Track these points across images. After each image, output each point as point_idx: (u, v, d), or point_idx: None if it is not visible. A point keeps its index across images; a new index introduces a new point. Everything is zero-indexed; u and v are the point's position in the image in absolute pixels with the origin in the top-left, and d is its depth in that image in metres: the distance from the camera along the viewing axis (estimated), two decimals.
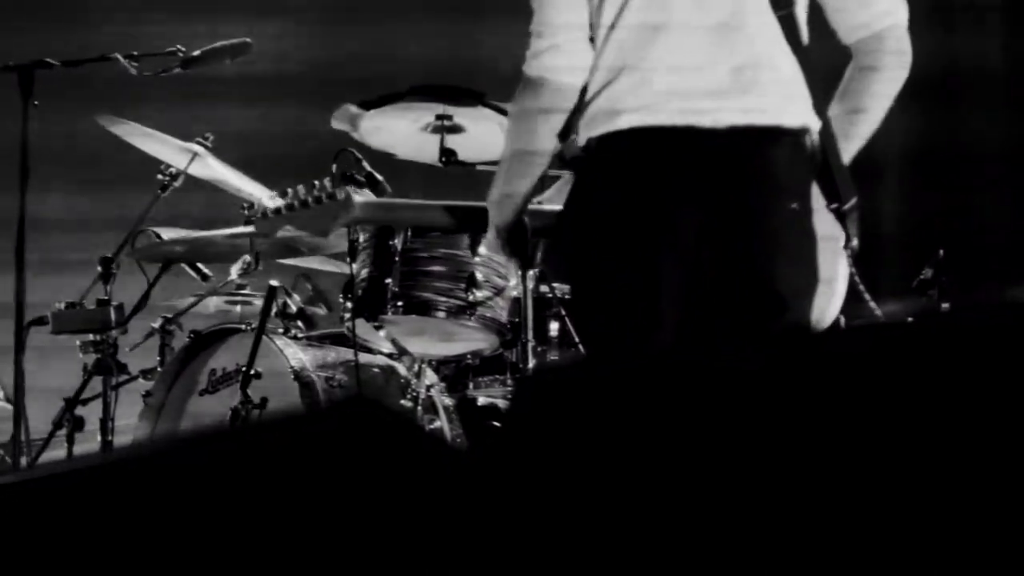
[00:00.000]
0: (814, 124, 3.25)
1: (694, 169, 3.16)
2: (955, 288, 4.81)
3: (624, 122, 3.19)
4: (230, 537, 1.71)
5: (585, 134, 3.26)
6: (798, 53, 3.23)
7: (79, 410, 5.69)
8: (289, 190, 3.81)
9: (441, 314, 4.82)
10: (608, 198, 3.23)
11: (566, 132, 3.32)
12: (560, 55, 3.26)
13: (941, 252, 4.89)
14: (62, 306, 5.52)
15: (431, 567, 1.64)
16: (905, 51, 3.34)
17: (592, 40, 3.25)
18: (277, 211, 3.80)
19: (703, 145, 3.16)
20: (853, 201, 3.29)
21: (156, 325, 5.68)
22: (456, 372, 5.22)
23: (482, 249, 3.57)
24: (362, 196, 3.83)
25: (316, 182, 3.82)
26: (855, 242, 3.30)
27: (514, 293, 4.77)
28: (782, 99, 3.21)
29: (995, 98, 6.36)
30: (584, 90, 3.27)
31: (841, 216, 3.28)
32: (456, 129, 4.97)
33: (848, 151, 3.32)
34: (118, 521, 1.73)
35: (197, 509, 1.71)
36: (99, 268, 5.55)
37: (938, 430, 1.51)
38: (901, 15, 3.35)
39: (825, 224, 3.27)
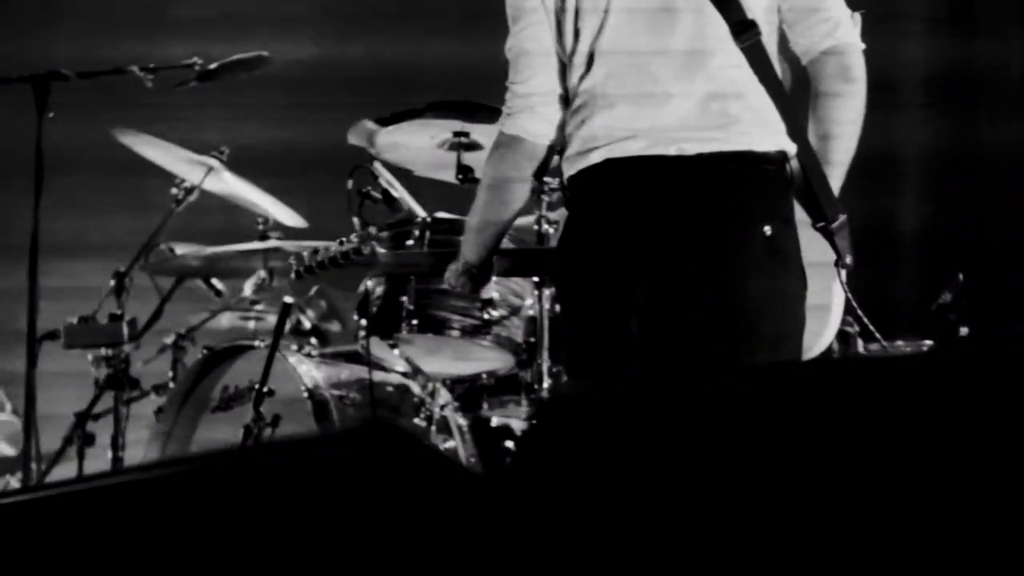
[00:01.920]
0: (790, 148, 3.28)
1: (662, 193, 3.22)
2: (975, 313, 4.77)
3: (596, 157, 3.28)
4: (244, 558, 1.68)
5: (565, 174, 3.37)
6: (767, 82, 3.27)
7: (90, 425, 5.66)
8: (319, 247, 3.89)
9: (456, 333, 4.78)
10: (583, 227, 3.33)
11: (546, 176, 3.49)
12: (535, 116, 3.40)
13: (961, 276, 4.85)
14: (75, 320, 5.49)
15: None
16: (849, 69, 3.33)
17: (565, 95, 3.38)
18: (309, 269, 3.87)
19: (670, 171, 3.22)
20: (841, 219, 3.31)
21: (169, 340, 5.66)
22: (470, 392, 5.18)
23: (447, 275, 3.65)
24: (385, 250, 3.94)
25: (343, 239, 3.90)
26: (848, 259, 3.31)
27: (530, 312, 4.74)
28: (752, 127, 3.25)
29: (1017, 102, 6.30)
30: (559, 137, 3.40)
31: (829, 235, 3.30)
32: (474, 146, 4.94)
33: (832, 176, 3.33)
34: (130, 542, 1.70)
35: (212, 529, 1.68)
36: (112, 282, 5.53)
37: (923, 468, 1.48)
38: (842, 34, 3.34)
39: (815, 251, 3.28)
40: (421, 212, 4.91)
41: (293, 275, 3.96)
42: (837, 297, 3.32)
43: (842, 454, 1.52)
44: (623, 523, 1.58)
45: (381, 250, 3.94)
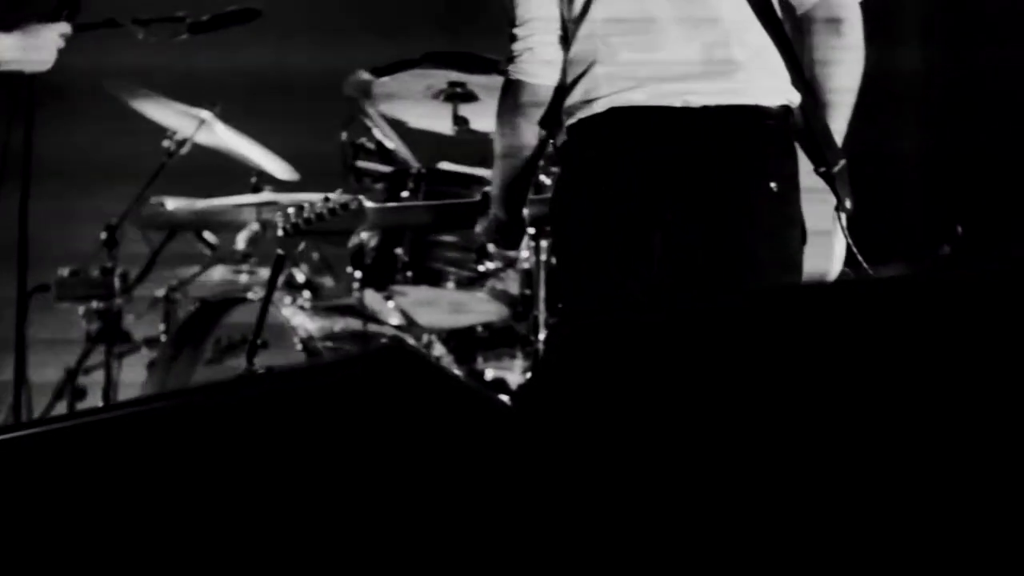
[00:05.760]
0: (794, 98, 3.28)
1: (668, 147, 3.21)
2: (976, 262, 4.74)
3: (599, 106, 3.26)
4: (260, 483, 1.67)
5: (566, 123, 3.35)
6: (770, 27, 3.27)
7: (81, 379, 5.64)
8: (305, 204, 3.87)
9: (451, 285, 4.77)
10: (588, 176, 3.30)
11: (552, 126, 3.40)
12: (534, 57, 3.38)
13: (960, 228, 4.84)
14: (66, 273, 5.46)
15: (467, 511, 1.60)
16: (844, 36, 3.32)
17: (565, 38, 3.36)
18: (296, 227, 3.84)
19: (675, 124, 3.22)
20: (842, 163, 3.30)
21: (161, 294, 5.63)
22: (465, 344, 5.16)
23: (477, 228, 3.63)
24: (372, 203, 3.91)
25: (329, 195, 3.90)
26: (848, 203, 3.31)
27: (526, 265, 4.72)
28: (757, 77, 3.25)
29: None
30: (562, 83, 3.37)
31: (830, 179, 3.30)
32: (470, 97, 4.91)
33: (838, 107, 3.32)
34: (147, 471, 1.69)
35: (230, 456, 1.67)
36: (103, 235, 5.50)
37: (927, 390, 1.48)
38: None
39: (815, 217, 3.29)
40: (415, 163, 4.89)
41: (280, 232, 3.94)
42: (838, 228, 3.32)
43: (842, 376, 1.52)
44: (634, 447, 1.57)
45: (369, 204, 3.91)
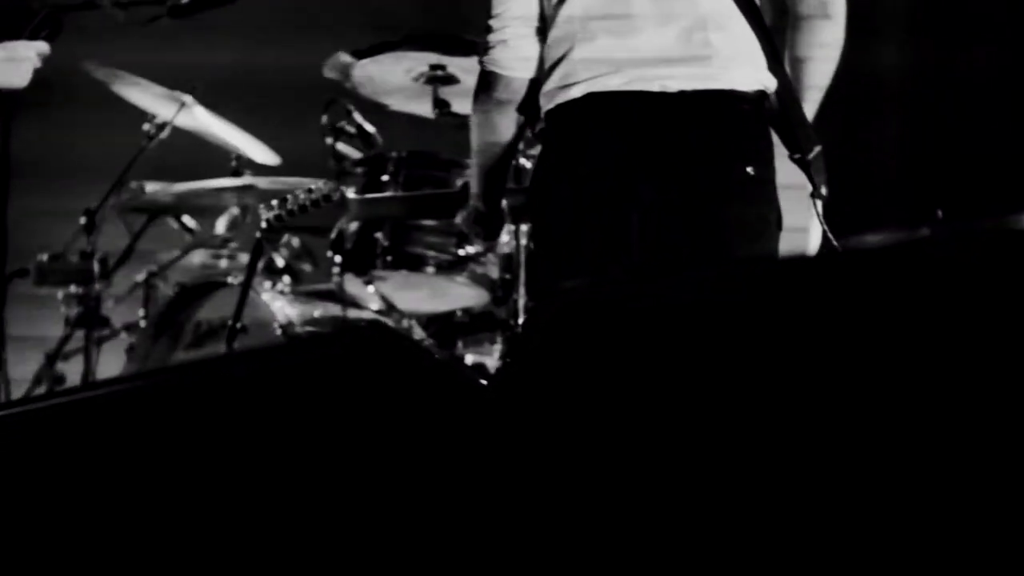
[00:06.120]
0: (770, 84, 3.29)
1: (643, 132, 3.22)
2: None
3: (577, 91, 3.26)
4: (240, 465, 1.66)
5: (544, 108, 3.34)
6: (747, 11, 3.27)
7: (60, 365, 5.62)
8: (288, 196, 3.87)
9: (431, 270, 4.76)
10: (562, 162, 3.31)
11: (531, 112, 3.40)
12: (508, 50, 3.38)
13: (940, 212, 4.83)
14: (45, 258, 5.45)
15: (447, 493, 1.59)
16: (828, 5, 3.34)
17: (543, 29, 3.36)
18: (279, 219, 3.84)
19: (652, 109, 3.22)
20: (817, 150, 3.31)
21: (141, 278, 5.62)
22: (445, 329, 5.15)
23: (457, 219, 3.64)
24: (354, 194, 3.92)
25: (311, 186, 3.92)
26: (823, 190, 3.32)
27: (506, 249, 4.71)
28: (734, 61, 3.25)
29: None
30: (540, 70, 3.37)
31: (805, 165, 3.30)
32: (450, 80, 4.90)
33: (808, 101, 3.35)
34: (128, 450, 1.68)
35: (210, 436, 1.66)
36: (83, 220, 5.48)
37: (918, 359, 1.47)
38: None
39: (790, 174, 3.29)
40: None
41: (264, 224, 3.94)
42: (814, 220, 3.33)
43: (829, 351, 1.51)
44: (618, 425, 1.56)
45: (351, 196, 3.92)
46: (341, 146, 4.83)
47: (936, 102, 6.15)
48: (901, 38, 6.22)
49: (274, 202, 3.90)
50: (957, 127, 6.04)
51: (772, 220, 3.27)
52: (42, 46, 4.06)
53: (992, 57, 6.01)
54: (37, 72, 4.16)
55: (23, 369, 5.56)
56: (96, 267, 5.44)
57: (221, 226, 5.62)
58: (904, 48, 6.23)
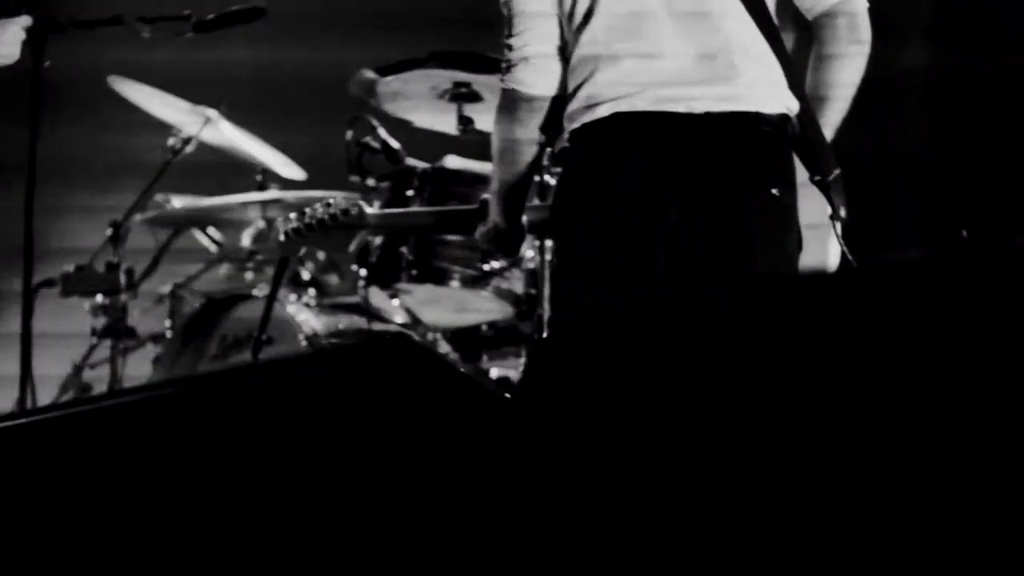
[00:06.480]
0: (793, 106, 3.31)
1: (671, 152, 3.24)
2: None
3: (603, 111, 3.28)
4: (261, 471, 1.68)
5: (568, 128, 3.36)
6: (769, 36, 3.29)
7: (87, 375, 5.65)
8: (306, 209, 3.90)
9: (456, 283, 4.78)
10: (590, 181, 3.32)
11: (553, 132, 3.43)
12: (529, 68, 3.40)
13: (964, 233, 4.82)
14: (72, 269, 5.48)
15: (469, 503, 1.61)
16: (856, 30, 3.36)
17: (564, 49, 3.38)
18: (297, 232, 3.85)
19: (679, 130, 3.24)
20: (836, 172, 3.34)
21: (166, 290, 5.64)
22: (470, 343, 5.17)
23: (477, 235, 3.65)
24: (373, 208, 3.94)
25: (330, 200, 3.92)
26: (843, 212, 3.34)
27: (530, 264, 4.72)
28: (758, 84, 3.28)
29: None
30: (562, 94, 3.39)
31: (825, 187, 3.33)
32: (475, 97, 4.91)
33: (829, 111, 3.37)
34: (150, 456, 1.70)
35: (232, 443, 1.68)
36: (109, 231, 5.51)
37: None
38: None
39: (811, 212, 3.32)
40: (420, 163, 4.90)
41: (281, 237, 3.96)
42: (833, 254, 3.35)
43: (843, 371, 1.53)
44: (639, 440, 1.57)
45: (369, 210, 3.94)
46: (366, 161, 4.86)
47: (961, 113, 6.13)
48: (924, 46, 6.20)
49: (292, 215, 3.92)
50: (984, 141, 6.01)
51: (792, 240, 3.31)
52: (24, 20, 4.07)
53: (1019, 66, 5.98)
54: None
55: (50, 379, 5.57)
56: (122, 278, 5.46)
57: (247, 239, 5.64)
58: (928, 58, 6.22)
